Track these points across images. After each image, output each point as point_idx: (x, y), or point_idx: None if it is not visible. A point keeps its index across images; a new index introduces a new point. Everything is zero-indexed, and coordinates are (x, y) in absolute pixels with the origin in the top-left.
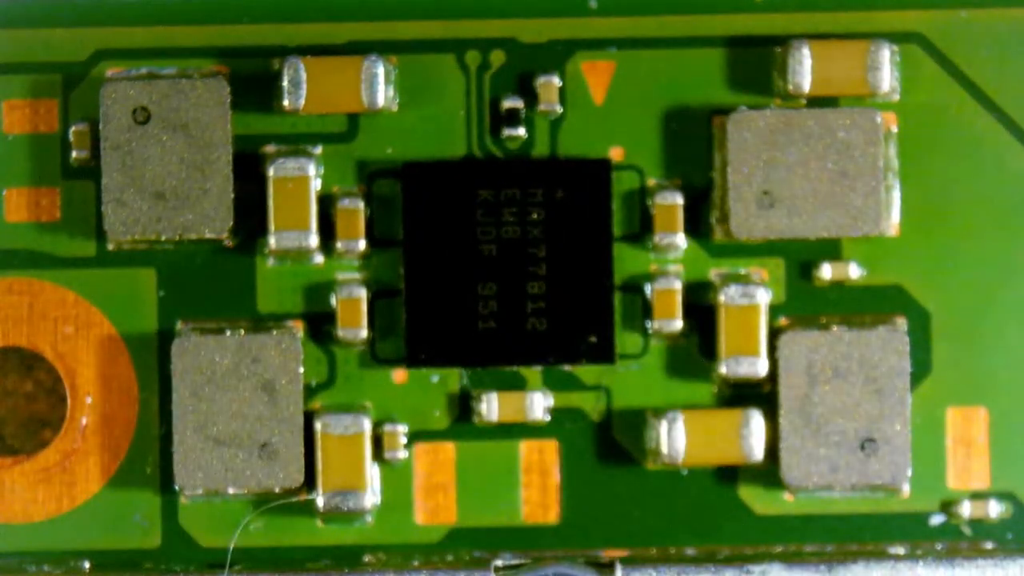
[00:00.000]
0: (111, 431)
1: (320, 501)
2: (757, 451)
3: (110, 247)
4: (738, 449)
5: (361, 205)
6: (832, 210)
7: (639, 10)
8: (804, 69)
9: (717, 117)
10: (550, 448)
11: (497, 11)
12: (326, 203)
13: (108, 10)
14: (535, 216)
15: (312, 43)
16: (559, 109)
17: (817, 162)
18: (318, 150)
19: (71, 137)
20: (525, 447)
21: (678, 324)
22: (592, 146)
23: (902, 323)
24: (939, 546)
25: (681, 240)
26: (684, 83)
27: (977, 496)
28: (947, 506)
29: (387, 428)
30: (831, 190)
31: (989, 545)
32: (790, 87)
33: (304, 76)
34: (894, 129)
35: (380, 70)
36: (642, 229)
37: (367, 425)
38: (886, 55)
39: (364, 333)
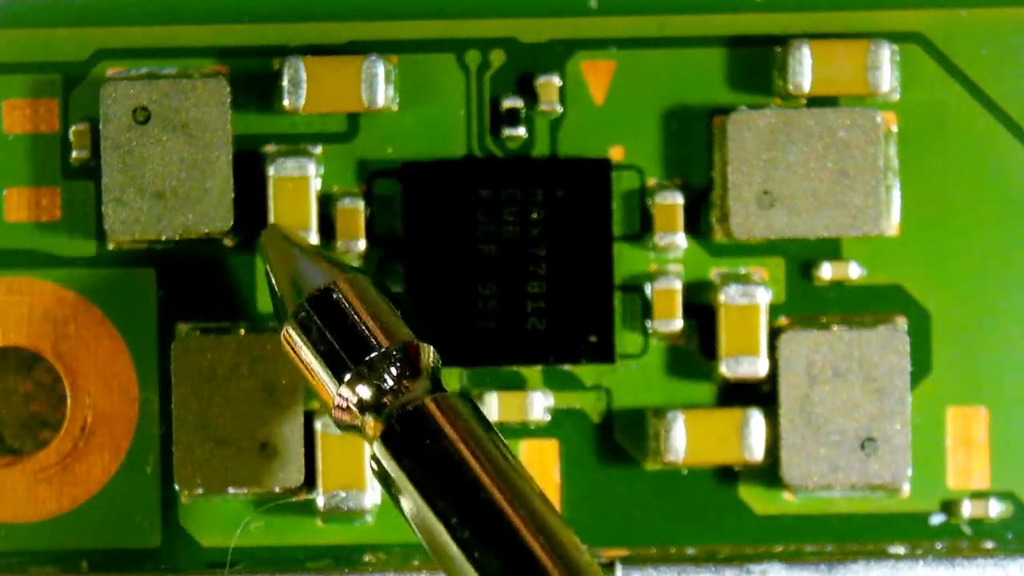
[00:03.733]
0: (111, 431)
1: (320, 501)
2: (757, 451)
3: (110, 247)
4: (738, 449)
5: (361, 205)
6: (832, 210)
7: (639, 10)
8: (804, 69)
9: (717, 117)
10: (550, 448)
11: (497, 11)
12: (326, 203)
13: (108, 10)
14: (535, 216)
15: (312, 43)
16: (559, 109)
17: (817, 162)
18: (318, 150)
19: (71, 137)
20: (525, 447)
21: (678, 324)
22: (592, 146)
23: (902, 323)
24: (939, 546)
25: (681, 240)
26: (684, 83)
27: (977, 496)
28: (947, 506)
29: None
30: (831, 190)
31: (989, 545)
32: (790, 87)
33: (304, 76)
34: (894, 129)
35: (380, 70)
36: (642, 229)
37: None
38: (886, 55)
39: None
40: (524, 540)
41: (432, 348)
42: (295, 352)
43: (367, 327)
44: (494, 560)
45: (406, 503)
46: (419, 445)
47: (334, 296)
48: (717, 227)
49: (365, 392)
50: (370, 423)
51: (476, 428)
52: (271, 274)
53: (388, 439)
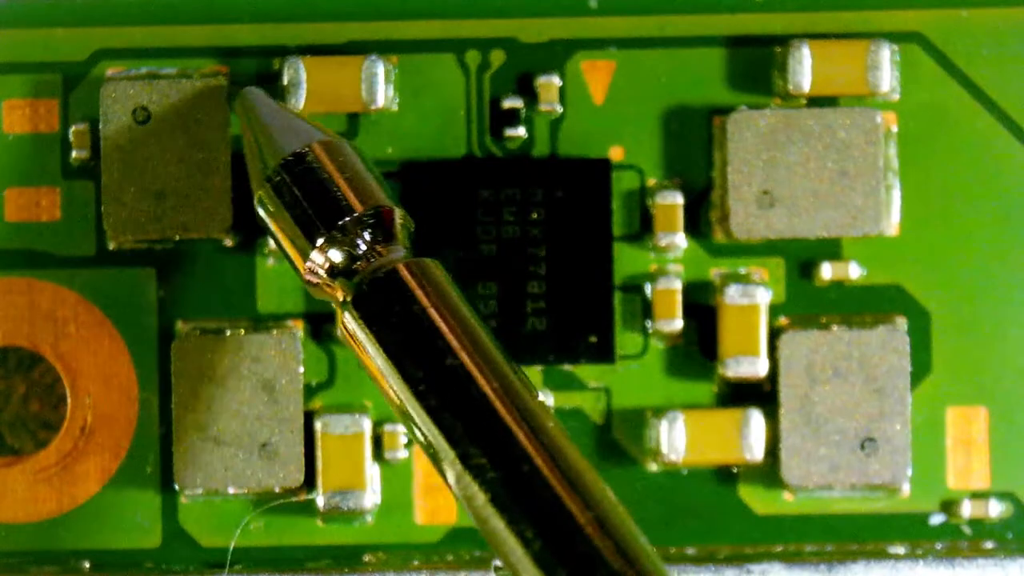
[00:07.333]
0: (111, 431)
1: (320, 501)
2: (757, 451)
3: (110, 247)
4: (738, 449)
5: None
6: (832, 210)
7: (639, 10)
8: (804, 69)
9: (717, 117)
10: None
11: (497, 11)
12: None
13: (108, 10)
14: (535, 216)
15: (312, 43)
16: (559, 109)
17: (817, 162)
18: None
19: (71, 137)
20: None
21: (678, 324)
22: (592, 146)
23: (902, 323)
24: (939, 546)
25: (681, 240)
26: (684, 83)
27: (977, 496)
28: (947, 506)
29: (387, 428)
30: (831, 190)
31: (989, 545)
32: (790, 87)
33: (304, 76)
34: (894, 129)
35: (380, 70)
36: (642, 229)
37: (367, 425)
38: (886, 55)
39: None
40: (492, 405)
41: (406, 213)
42: (270, 219)
43: (340, 191)
44: (460, 425)
45: (375, 369)
46: (389, 310)
47: (308, 159)
48: (717, 227)
49: (337, 256)
50: (341, 288)
51: (449, 294)
52: (247, 138)
53: (358, 304)
